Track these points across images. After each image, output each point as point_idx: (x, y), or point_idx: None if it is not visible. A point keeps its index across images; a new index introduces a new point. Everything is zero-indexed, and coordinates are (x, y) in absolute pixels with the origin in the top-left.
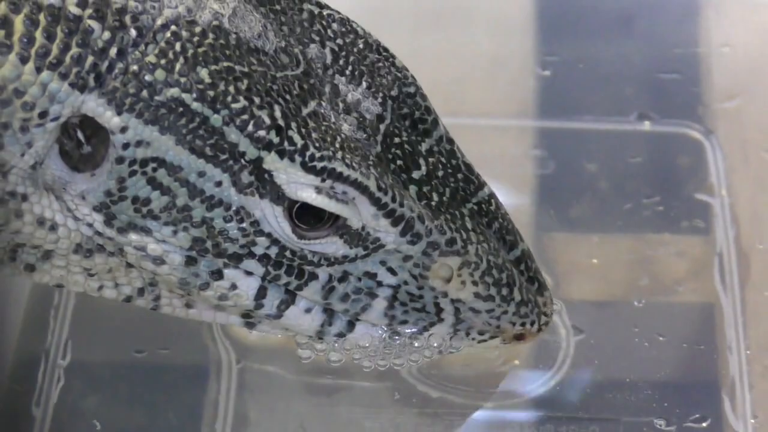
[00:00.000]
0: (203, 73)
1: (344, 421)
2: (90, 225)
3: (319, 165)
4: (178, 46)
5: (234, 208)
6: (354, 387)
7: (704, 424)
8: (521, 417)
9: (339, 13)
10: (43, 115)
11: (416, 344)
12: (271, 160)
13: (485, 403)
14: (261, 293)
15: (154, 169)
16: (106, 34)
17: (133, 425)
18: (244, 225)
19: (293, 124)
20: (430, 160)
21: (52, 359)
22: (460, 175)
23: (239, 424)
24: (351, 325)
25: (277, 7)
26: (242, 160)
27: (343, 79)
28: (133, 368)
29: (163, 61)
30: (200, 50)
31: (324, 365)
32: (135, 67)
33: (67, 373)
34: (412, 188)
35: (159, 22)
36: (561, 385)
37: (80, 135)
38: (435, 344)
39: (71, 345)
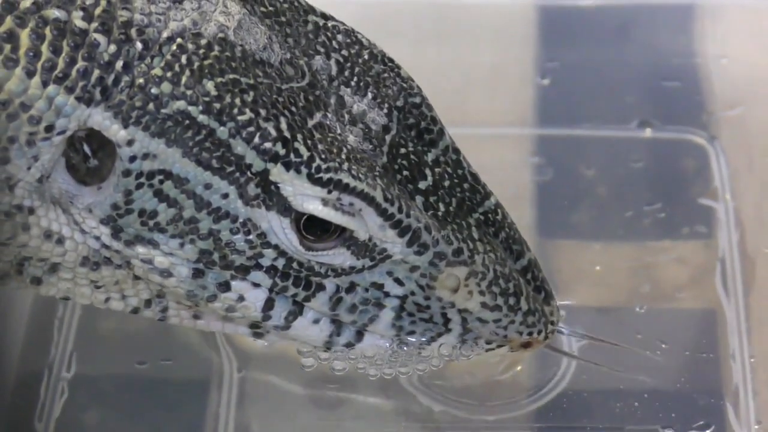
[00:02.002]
0: (209, 85)
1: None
2: (97, 238)
3: (326, 176)
4: (183, 59)
5: (241, 220)
6: (357, 398)
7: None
8: (525, 428)
9: (344, 24)
10: (49, 128)
11: (423, 353)
12: (277, 172)
13: (488, 414)
14: (269, 305)
15: (161, 182)
16: (112, 48)
17: None
18: (251, 237)
19: (299, 136)
20: (437, 170)
21: (55, 372)
22: (466, 185)
23: None
24: (359, 335)
25: (282, 18)
26: (249, 173)
27: (349, 90)
28: (135, 380)
29: (169, 74)
30: (206, 63)
31: (327, 376)
32: (141, 80)
33: (70, 386)
34: (419, 199)
35: (165, 35)
36: (564, 395)
37: (87, 148)
38: (445, 353)
39: (75, 357)
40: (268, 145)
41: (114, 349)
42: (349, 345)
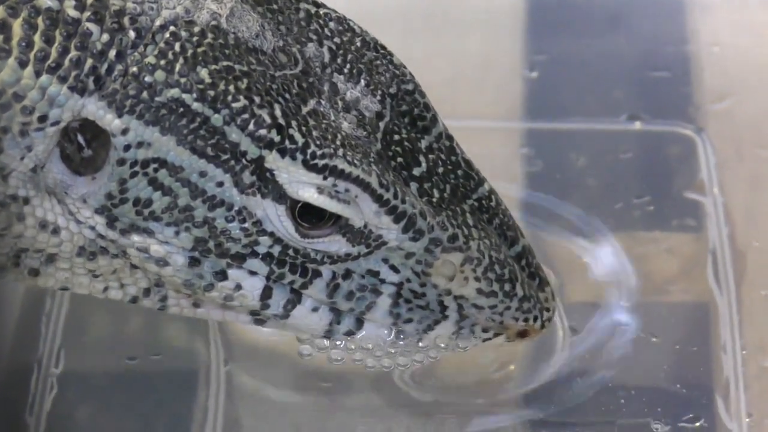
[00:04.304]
0: (203, 72)
1: (337, 426)
2: (92, 228)
3: (321, 163)
4: (177, 47)
5: (236, 208)
6: (348, 393)
7: (697, 424)
8: (515, 422)
9: (335, 11)
10: (42, 119)
11: (421, 344)
12: (272, 159)
13: (479, 408)
14: (266, 293)
15: (156, 170)
16: (105, 37)
17: None
18: (246, 225)
19: (294, 123)
20: (430, 156)
21: (44, 367)
22: (460, 172)
23: (230, 429)
24: (359, 323)
25: (274, 6)
26: (244, 160)
27: (342, 77)
28: (125, 375)
29: (162, 62)
30: (199, 50)
31: (317, 369)
32: (134, 69)
33: (59, 382)
34: (413, 185)
35: (157, 23)
36: (554, 390)
37: (81, 138)
38: (442, 344)
39: (64, 353)
40: (262, 131)
41: (102, 344)
42: (350, 333)
